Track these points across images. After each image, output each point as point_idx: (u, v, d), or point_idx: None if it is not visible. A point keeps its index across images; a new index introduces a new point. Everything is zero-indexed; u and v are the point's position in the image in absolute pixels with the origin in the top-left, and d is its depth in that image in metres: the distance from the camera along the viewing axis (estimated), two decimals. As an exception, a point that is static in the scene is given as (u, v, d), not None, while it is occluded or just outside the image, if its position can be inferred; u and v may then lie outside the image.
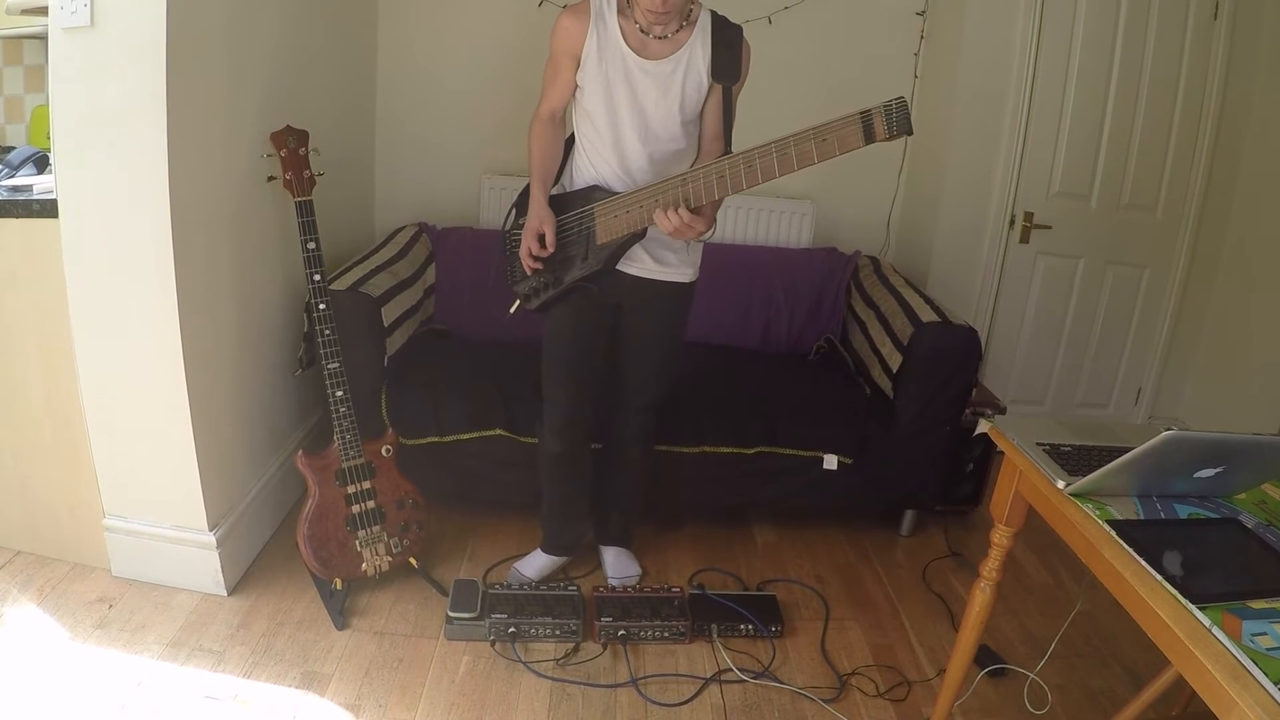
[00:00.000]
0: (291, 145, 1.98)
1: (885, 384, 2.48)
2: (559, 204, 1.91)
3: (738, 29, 1.82)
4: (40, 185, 1.92)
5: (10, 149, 2.27)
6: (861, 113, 1.49)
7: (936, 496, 2.58)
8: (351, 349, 2.08)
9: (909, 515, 2.63)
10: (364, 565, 2.08)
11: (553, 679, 1.90)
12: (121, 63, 1.67)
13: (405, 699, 1.81)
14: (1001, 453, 1.48)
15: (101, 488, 2.01)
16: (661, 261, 1.93)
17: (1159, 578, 1.07)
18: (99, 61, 1.68)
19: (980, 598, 1.58)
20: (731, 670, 1.97)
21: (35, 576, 2.05)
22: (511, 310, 2.01)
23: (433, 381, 2.36)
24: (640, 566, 2.31)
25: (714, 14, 1.82)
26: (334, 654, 1.91)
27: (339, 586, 2.06)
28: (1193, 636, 0.98)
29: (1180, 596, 1.04)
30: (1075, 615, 1.97)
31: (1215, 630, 0.98)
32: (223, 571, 2.04)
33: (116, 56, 1.67)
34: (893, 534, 2.63)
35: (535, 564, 2.24)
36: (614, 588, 2.18)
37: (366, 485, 2.07)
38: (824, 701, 1.90)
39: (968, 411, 2.51)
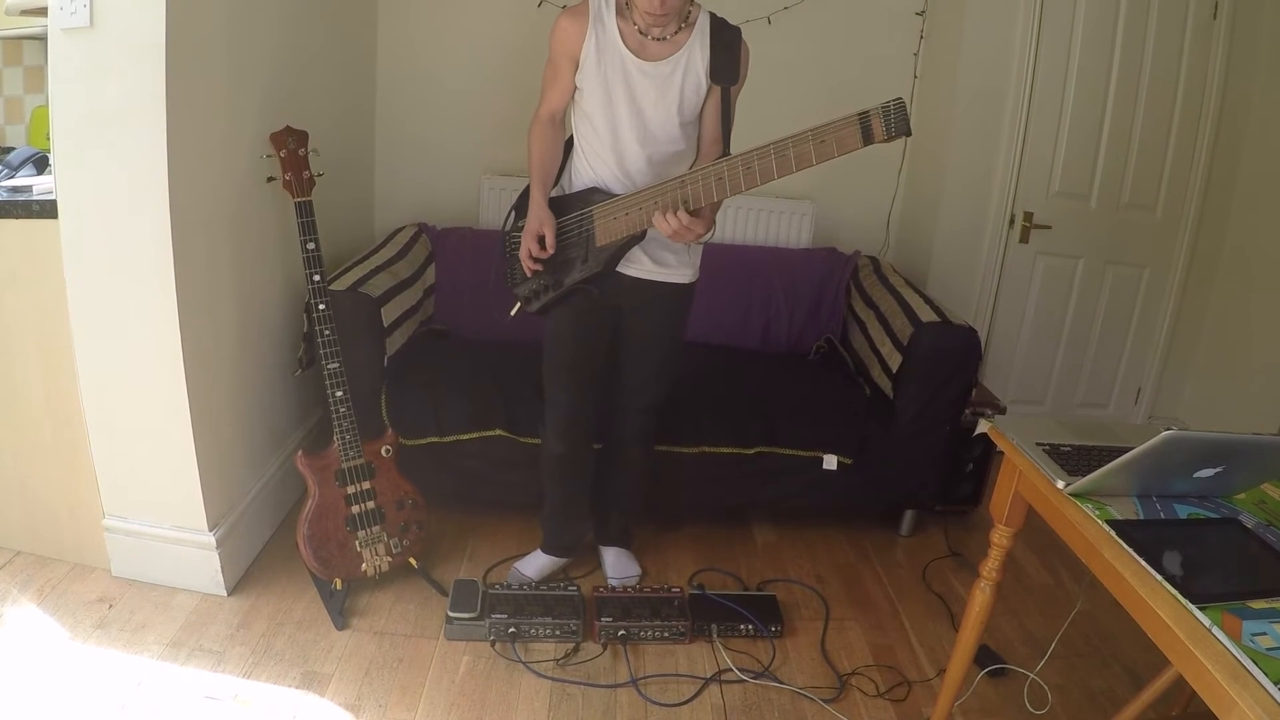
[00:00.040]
0: (291, 146, 1.98)
1: (885, 384, 2.48)
2: (558, 206, 1.91)
3: (736, 30, 1.82)
4: (40, 186, 1.92)
5: (10, 149, 2.27)
6: (859, 114, 1.49)
7: (936, 496, 2.58)
8: (351, 349, 2.09)
9: (909, 515, 2.63)
10: (364, 565, 2.08)
11: (553, 679, 1.90)
12: (121, 63, 1.67)
13: (405, 699, 1.81)
14: (1001, 453, 1.48)
15: (101, 488, 2.01)
16: (661, 263, 1.93)
17: (1159, 578, 1.07)
18: (98, 62, 1.68)
19: (980, 598, 1.58)
20: (731, 670, 1.97)
21: (35, 576, 2.05)
22: (512, 313, 2.01)
23: (432, 382, 2.36)
24: (640, 566, 2.31)
25: (713, 15, 1.82)
26: (334, 654, 1.92)
27: (339, 586, 2.06)
28: (1193, 636, 0.98)
29: (1180, 596, 1.04)
30: (1075, 615, 1.98)
31: (1215, 630, 0.98)
32: (223, 572, 2.04)
33: (116, 57, 1.67)
34: (893, 534, 2.63)
35: (535, 564, 2.24)
36: (614, 588, 2.18)
37: (366, 485, 2.07)
38: (824, 701, 1.90)
39: (968, 411, 2.51)
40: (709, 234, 1.78)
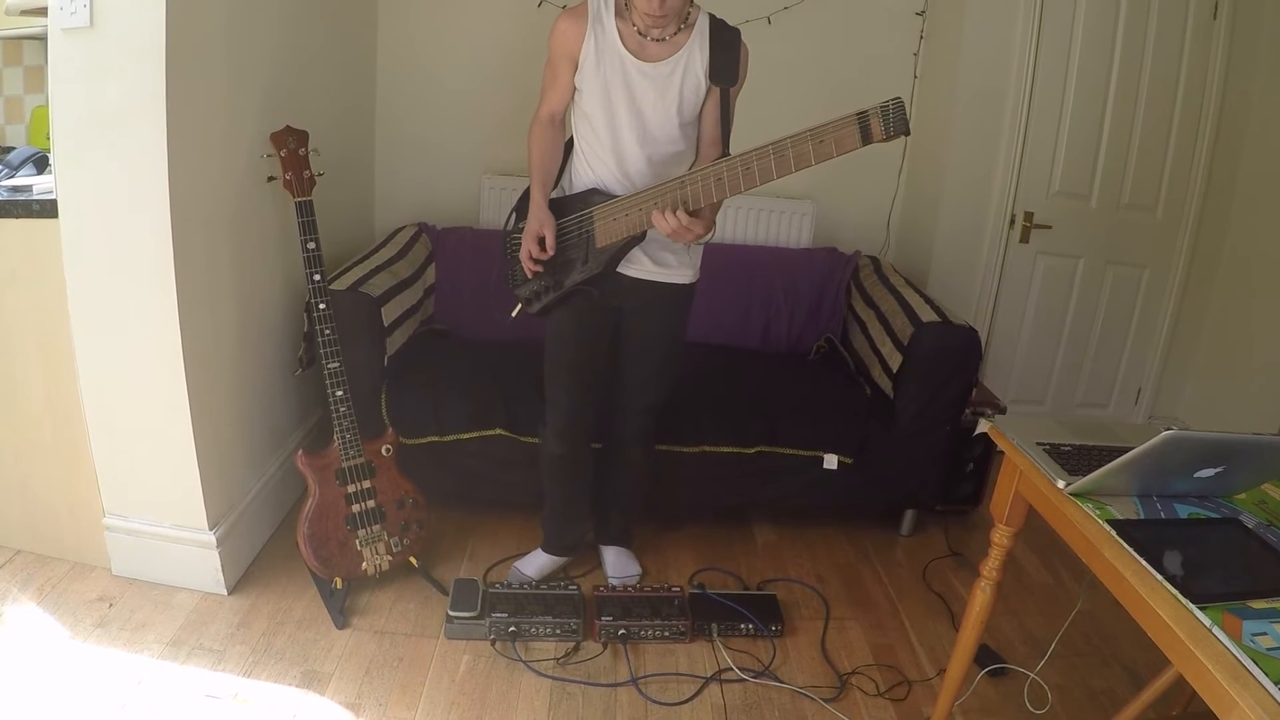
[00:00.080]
0: (291, 145, 1.98)
1: (885, 384, 2.48)
2: (558, 207, 1.90)
3: (736, 31, 1.82)
4: (40, 185, 1.92)
5: (10, 149, 2.27)
6: (858, 114, 1.49)
7: (937, 496, 2.58)
8: (351, 349, 2.09)
9: (909, 515, 2.63)
10: (364, 564, 2.08)
11: (553, 678, 1.90)
12: (121, 63, 1.67)
13: (405, 698, 1.81)
14: (1001, 452, 1.48)
15: (101, 487, 2.01)
16: (661, 263, 1.93)
17: (1159, 578, 1.07)
18: (99, 62, 1.68)
19: (980, 597, 1.58)
20: (732, 669, 1.97)
21: (35, 575, 2.05)
22: (513, 314, 2.01)
23: (433, 381, 2.36)
24: (640, 566, 2.31)
25: (712, 17, 1.82)
26: (334, 653, 1.92)
27: (339, 585, 2.06)
28: (1193, 636, 0.98)
29: (1180, 596, 1.04)
30: (1075, 615, 1.98)
31: (1215, 630, 0.98)
32: (223, 570, 2.04)
33: (116, 57, 1.67)
34: (893, 534, 2.63)
35: (536, 563, 2.24)
36: (614, 587, 2.18)
37: (366, 484, 2.07)
38: (824, 701, 1.90)
39: (968, 411, 2.51)
40: (709, 235, 1.78)
